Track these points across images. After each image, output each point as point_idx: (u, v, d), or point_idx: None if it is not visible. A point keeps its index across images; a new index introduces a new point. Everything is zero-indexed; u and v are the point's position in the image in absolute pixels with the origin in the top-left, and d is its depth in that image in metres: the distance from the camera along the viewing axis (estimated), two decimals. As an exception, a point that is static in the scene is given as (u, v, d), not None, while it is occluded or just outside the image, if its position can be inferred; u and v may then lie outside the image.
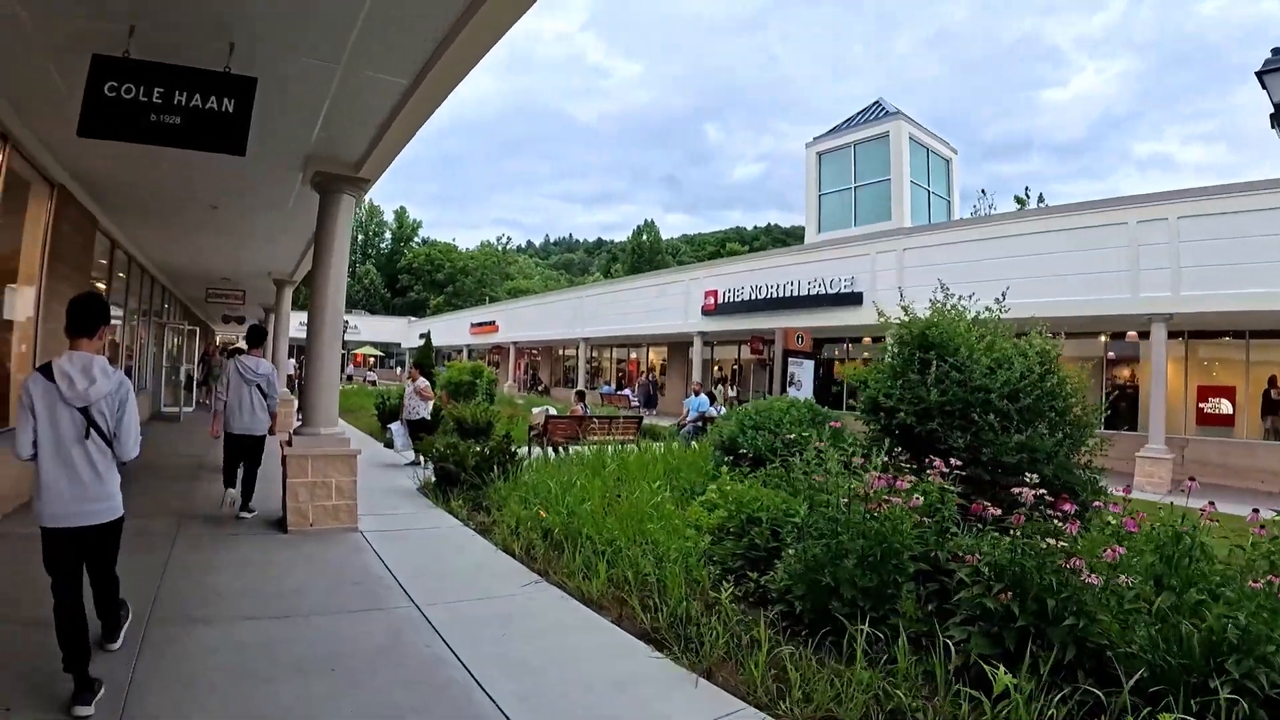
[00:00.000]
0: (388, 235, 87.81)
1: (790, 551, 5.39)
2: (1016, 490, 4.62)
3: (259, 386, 7.53)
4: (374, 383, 44.90)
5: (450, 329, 50.93)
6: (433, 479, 9.83)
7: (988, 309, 7.50)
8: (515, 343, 42.98)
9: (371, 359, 59.11)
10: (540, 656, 4.52)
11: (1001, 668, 3.65)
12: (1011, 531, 4.42)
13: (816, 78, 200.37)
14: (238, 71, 4.85)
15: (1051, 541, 4.16)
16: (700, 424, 16.09)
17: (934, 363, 6.88)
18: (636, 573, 5.65)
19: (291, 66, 5.28)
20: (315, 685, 3.89)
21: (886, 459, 5.60)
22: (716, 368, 31.74)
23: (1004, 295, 7.52)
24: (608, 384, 35.57)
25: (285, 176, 8.04)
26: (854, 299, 21.13)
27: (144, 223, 11.50)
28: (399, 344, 61.85)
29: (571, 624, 5.14)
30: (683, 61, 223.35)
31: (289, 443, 7.23)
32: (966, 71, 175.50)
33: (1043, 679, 3.69)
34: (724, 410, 17.00)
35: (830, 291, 21.90)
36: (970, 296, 7.58)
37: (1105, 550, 4.11)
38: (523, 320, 41.81)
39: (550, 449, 12.56)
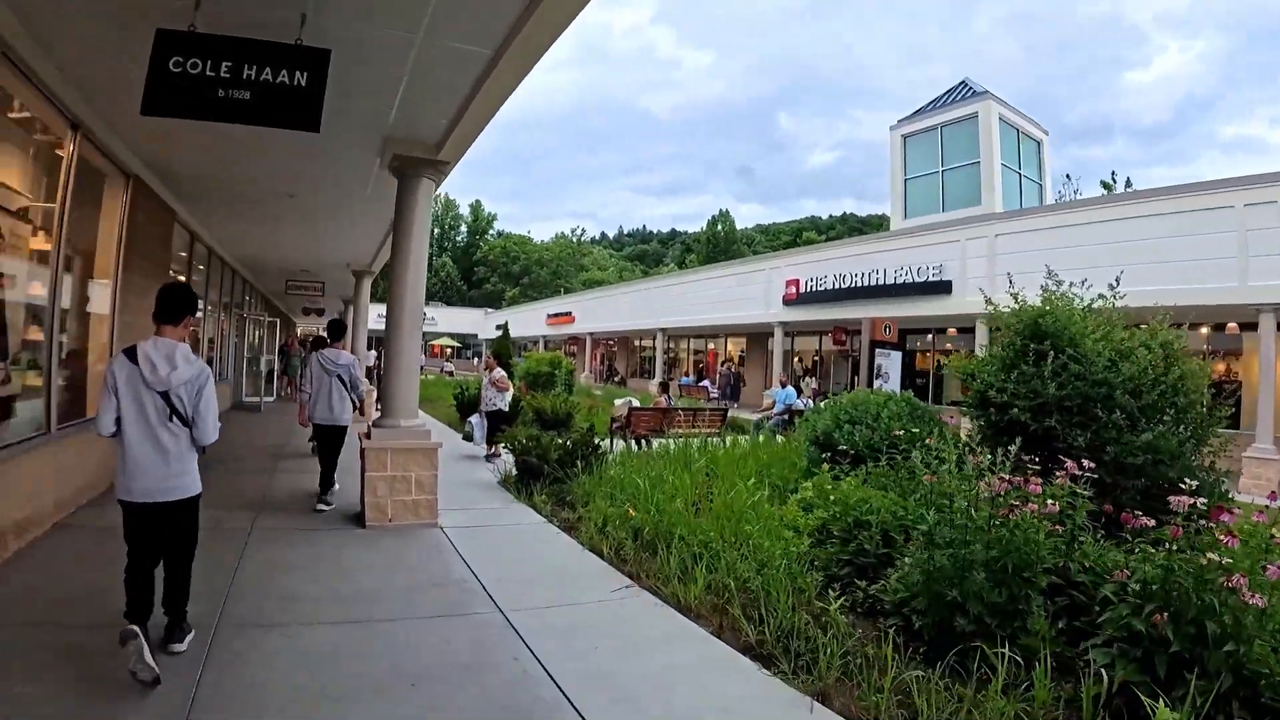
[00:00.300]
0: (463, 228, 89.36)
1: (908, 560, 4.87)
2: (1173, 500, 4.01)
3: (340, 378, 7.62)
4: (451, 373, 45.46)
5: (526, 320, 51.23)
6: (513, 472, 9.50)
7: (1101, 297, 6.78)
8: (591, 334, 42.87)
9: (448, 350, 59.84)
10: (638, 674, 4.10)
11: (1161, 699, 3.29)
12: (1167, 544, 3.88)
13: (891, 63, 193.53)
14: (310, 43, 4.54)
15: (1212, 556, 3.61)
16: (786, 417, 15.49)
17: (1050, 355, 6.21)
18: (737, 579, 5.19)
19: (368, 37, 4.97)
20: (393, 706, 3.55)
21: (1006, 459, 5.02)
22: (796, 359, 30.90)
23: (1117, 281, 6.80)
24: (686, 375, 35.07)
25: (362, 161, 7.79)
26: (942, 287, 20.18)
27: (222, 214, 11.51)
28: (475, 335, 62.59)
29: (669, 635, 4.70)
30: (754, 51, 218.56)
31: (367, 435, 7.02)
32: (1045, 53, 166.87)
33: (1202, 712, 3.29)
34: (809, 403, 16.38)
35: (918, 280, 20.92)
36: (1083, 284, 6.88)
37: (1270, 567, 3.55)
38: (599, 311, 41.66)
39: (633, 442, 12.15)
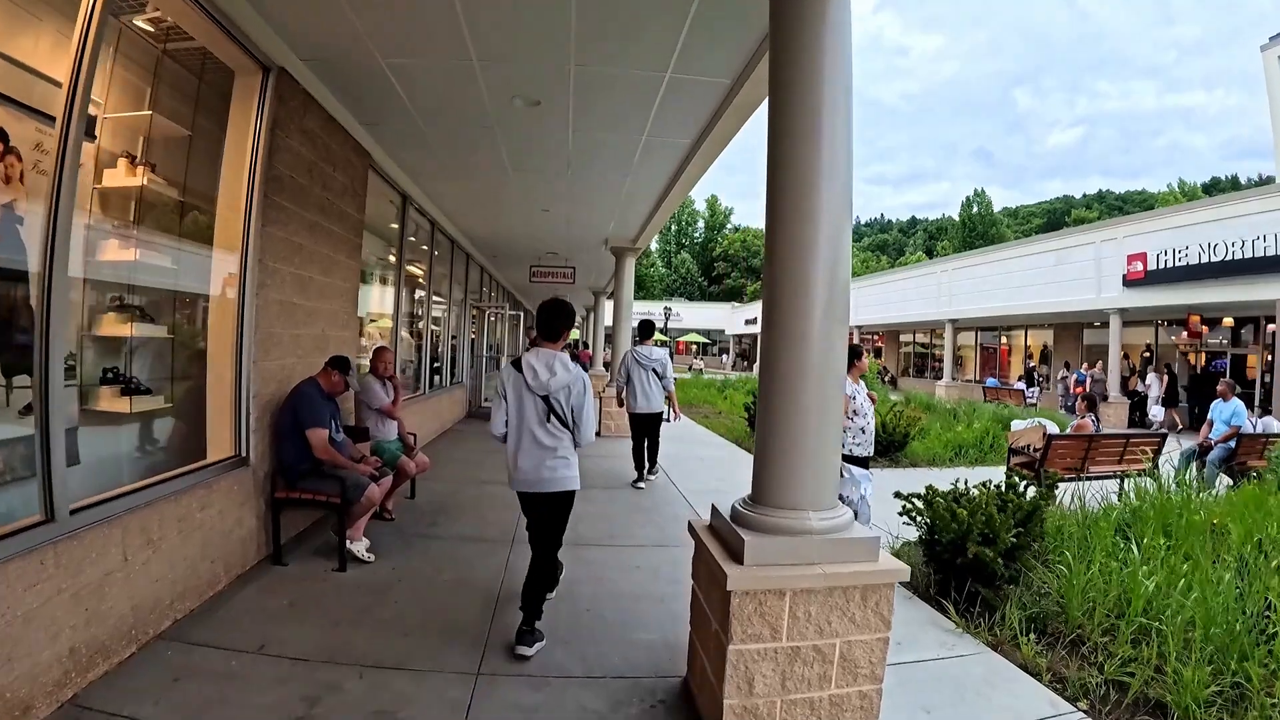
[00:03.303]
0: (700, 224, 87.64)
1: None
2: None
3: (654, 370, 8.37)
4: (700, 371, 42.38)
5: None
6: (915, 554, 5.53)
7: None
8: (859, 327, 37.58)
9: (694, 346, 57.08)
10: None
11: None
12: None
13: (1137, 26, 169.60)
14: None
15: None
16: (1232, 446, 9.74)
17: None
18: None
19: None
20: None
21: None
22: (1123, 356, 23.93)
23: None
24: (993, 376, 28.87)
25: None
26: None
27: (446, 164, 8.28)
28: (722, 330, 59.66)
29: None
30: (985, 27, 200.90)
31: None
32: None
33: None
34: (1256, 423, 10.45)
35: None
36: None
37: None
38: (866, 301, 36.30)
39: (1043, 486, 7.37)
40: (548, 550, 4.18)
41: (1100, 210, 74.70)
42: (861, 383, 6.27)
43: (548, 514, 4.14)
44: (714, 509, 3.33)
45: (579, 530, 6.15)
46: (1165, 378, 20.40)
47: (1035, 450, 8.16)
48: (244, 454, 5.05)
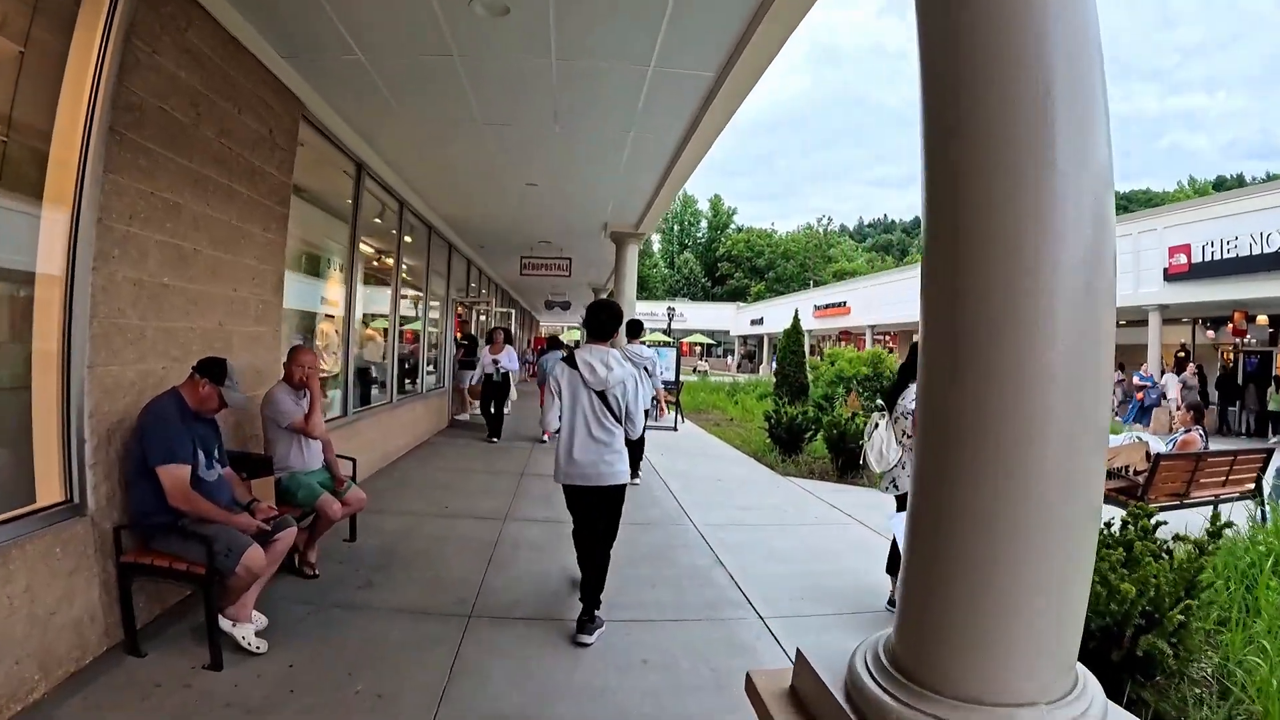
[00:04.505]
0: (703, 224, 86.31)
1: None
2: None
3: (644, 369, 7.56)
4: (705, 373, 40.82)
5: (784, 314, 45.15)
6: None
7: None
8: (873, 326, 35.95)
9: (697, 348, 55.50)
10: None
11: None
12: None
13: (1138, 30, 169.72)
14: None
15: None
16: None
17: None
18: None
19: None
20: None
21: None
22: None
23: None
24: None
25: None
26: None
27: (399, 121, 6.71)
28: (727, 331, 58.13)
29: None
30: None
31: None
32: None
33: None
34: None
35: None
36: None
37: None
38: (884, 299, 34.65)
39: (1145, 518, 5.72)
40: (605, 545, 4.29)
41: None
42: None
43: (604, 508, 4.24)
44: (800, 657, 1.73)
45: (559, 594, 4.60)
46: (1183, 378, 18.74)
47: (1137, 474, 6.54)
48: (75, 498, 3.47)
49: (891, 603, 4.57)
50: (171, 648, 3.64)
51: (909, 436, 4.43)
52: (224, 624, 3.59)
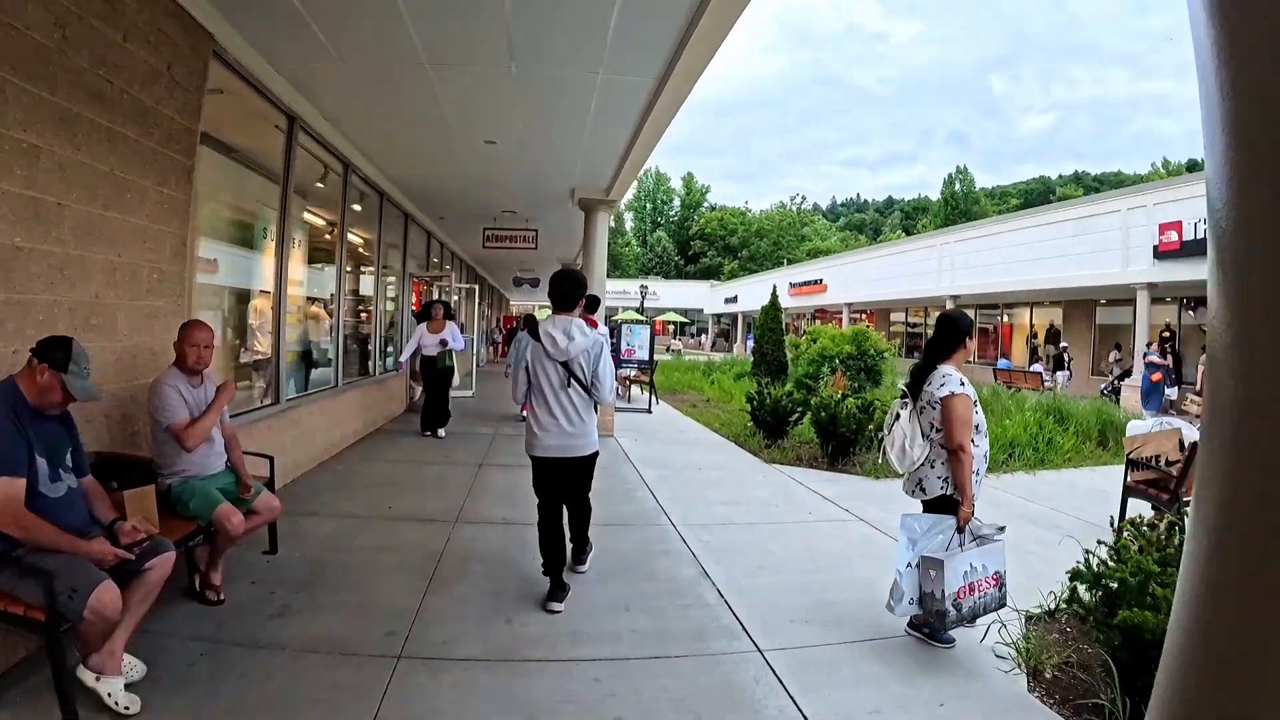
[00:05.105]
0: (676, 202, 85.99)
1: None
2: None
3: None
4: (679, 352, 40.07)
5: (759, 292, 44.46)
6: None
7: None
8: (850, 304, 35.34)
9: (670, 326, 54.72)
10: None
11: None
12: None
13: (1110, 14, 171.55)
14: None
15: None
16: None
17: None
18: None
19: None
20: None
21: None
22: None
23: None
24: (1004, 358, 26.57)
25: None
26: None
27: (332, 62, 5.77)
28: (701, 310, 57.72)
29: None
30: (965, 13, 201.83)
31: None
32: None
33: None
34: None
35: None
36: None
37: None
38: (861, 276, 34.01)
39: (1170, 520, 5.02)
40: (581, 502, 4.45)
41: (1078, 191, 72.57)
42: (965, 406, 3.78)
43: (575, 477, 4.29)
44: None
45: (514, 623, 3.80)
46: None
47: (1170, 464, 5.85)
48: None
49: (913, 625, 3.83)
50: (22, 707, 2.81)
51: (937, 430, 3.65)
52: (85, 677, 2.78)
